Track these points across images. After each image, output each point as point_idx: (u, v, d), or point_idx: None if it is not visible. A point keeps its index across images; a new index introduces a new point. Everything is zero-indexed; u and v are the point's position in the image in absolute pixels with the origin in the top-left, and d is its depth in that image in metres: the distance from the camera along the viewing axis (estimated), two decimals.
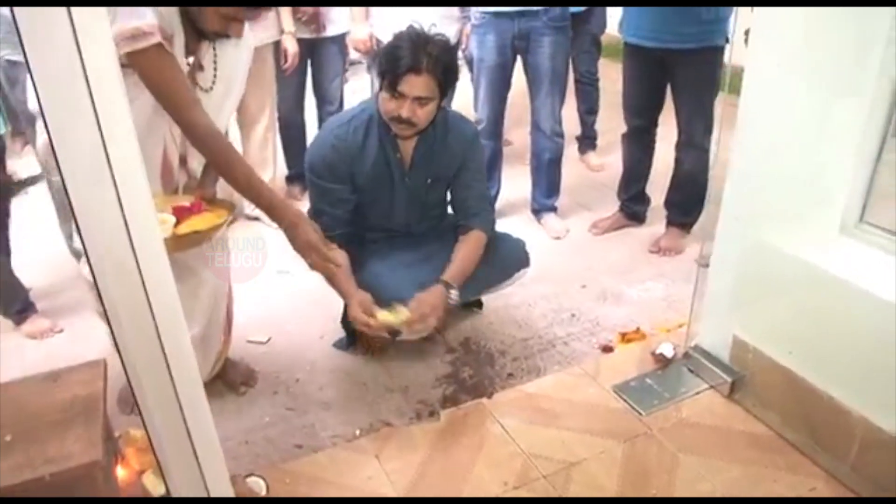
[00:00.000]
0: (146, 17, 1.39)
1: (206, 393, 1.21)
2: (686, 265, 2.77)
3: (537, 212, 3.16)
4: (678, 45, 2.55)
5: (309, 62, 3.22)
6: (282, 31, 2.98)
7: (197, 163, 1.72)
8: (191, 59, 1.57)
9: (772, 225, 1.79)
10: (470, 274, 2.04)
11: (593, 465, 1.74)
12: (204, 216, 1.57)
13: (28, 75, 1.91)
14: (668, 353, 2.09)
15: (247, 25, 1.60)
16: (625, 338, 2.32)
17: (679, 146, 2.81)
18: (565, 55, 2.91)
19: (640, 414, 1.90)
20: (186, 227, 1.52)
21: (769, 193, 1.77)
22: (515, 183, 3.32)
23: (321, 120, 3.36)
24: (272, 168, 3.27)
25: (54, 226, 2.60)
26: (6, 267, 2.35)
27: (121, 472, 1.49)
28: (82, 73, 0.90)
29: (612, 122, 3.56)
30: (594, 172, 3.74)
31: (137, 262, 1.03)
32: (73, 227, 2.07)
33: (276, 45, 3.02)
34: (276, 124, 3.29)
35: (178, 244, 1.48)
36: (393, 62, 1.82)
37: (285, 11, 2.95)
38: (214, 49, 1.61)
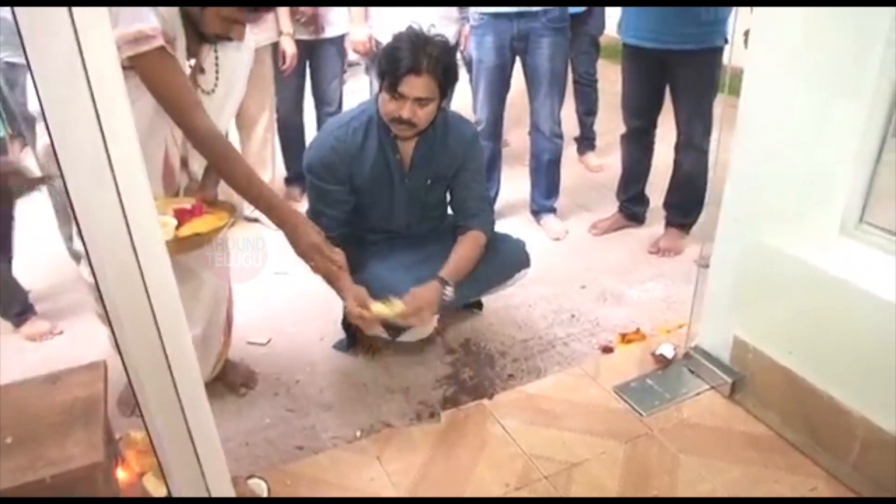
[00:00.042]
0: (149, 21, 1.39)
1: (206, 394, 1.20)
2: (685, 266, 2.78)
3: (536, 213, 3.17)
4: (677, 46, 2.55)
5: (307, 64, 3.22)
6: (280, 33, 2.98)
7: (198, 165, 1.72)
8: (192, 62, 1.57)
9: (772, 225, 1.79)
10: (467, 273, 2.03)
11: (594, 465, 1.74)
12: (205, 218, 1.57)
13: (27, 77, 1.91)
14: (669, 353, 2.09)
15: (247, 28, 1.60)
16: (625, 338, 2.32)
17: (678, 147, 2.81)
18: (564, 56, 2.92)
19: (640, 414, 1.90)
20: (187, 230, 1.51)
21: (769, 194, 1.78)
22: (514, 184, 3.32)
23: (320, 121, 3.36)
24: (271, 169, 3.27)
25: (53, 228, 2.59)
26: (6, 270, 2.34)
27: (121, 475, 1.49)
28: (84, 75, 0.90)
29: (610, 123, 3.56)
30: (593, 173, 3.75)
31: (139, 263, 1.02)
32: (73, 229, 2.09)
33: (275, 47, 3.02)
34: (275, 125, 3.28)
35: (179, 247, 1.48)
36: (393, 63, 1.82)
37: (284, 13, 2.95)
38: (216, 51, 1.62)
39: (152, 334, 1.08)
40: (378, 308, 1.81)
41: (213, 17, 1.48)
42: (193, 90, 1.55)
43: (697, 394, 1.98)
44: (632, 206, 3.09)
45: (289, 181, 3.47)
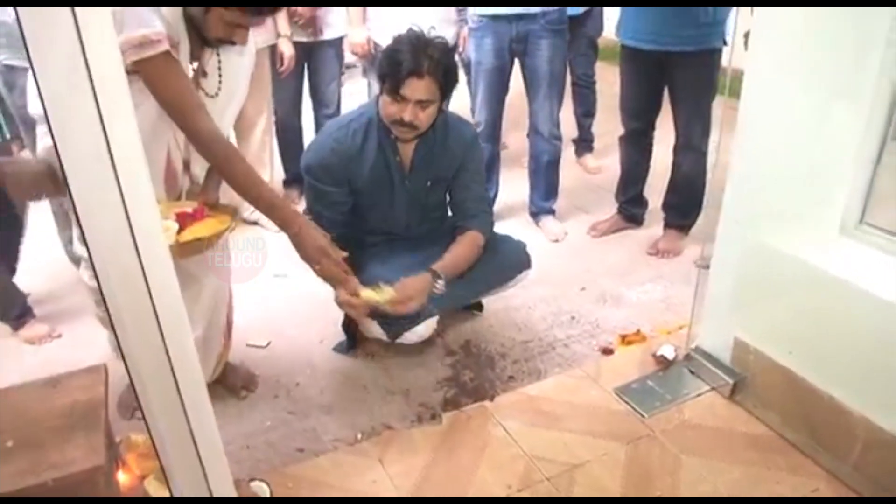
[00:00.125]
0: (154, 26, 1.39)
1: None
2: (684, 267, 2.78)
3: (535, 215, 3.17)
4: (676, 47, 2.56)
5: (306, 66, 3.22)
6: (278, 35, 2.98)
7: (200, 168, 1.72)
8: (195, 65, 1.57)
9: (772, 226, 1.79)
10: (461, 270, 2.04)
11: (596, 467, 1.73)
12: (206, 222, 1.56)
13: (26, 80, 1.91)
14: (669, 354, 2.09)
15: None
16: (625, 340, 2.32)
17: (677, 149, 2.82)
18: (563, 58, 2.92)
19: (642, 416, 1.90)
20: (189, 235, 1.51)
21: (769, 195, 1.78)
22: (513, 186, 3.32)
23: (318, 123, 3.36)
24: (269, 171, 3.26)
25: (52, 232, 2.58)
26: (5, 273, 2.34)
27: (122, 478, 1.48)
28: (87, 76, 0.90)
29: (608, 125, 3.57)
30: (591, 175, 3.75)
31: (142, 266, 1.02)
32: (73, 232, 2.08)
33: (273, 49, 3.02)
34: (273, 128, 3.28)
35: (180, 251, 1.48)
36: (394, 66, 1.82)
37: (281, 15, 2.95)
38: (218, 55, 1.62)
39: (155, 337, 1.08)
40: (367, 294, 1.81)
41: (216, 21, 1.48)
42: (197, 94, 1.55)
43: (698, 395, 1.98)
44: (631, 208, 3.09)
45: (287, 183, 3.47)
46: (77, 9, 0.86)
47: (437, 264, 1.97)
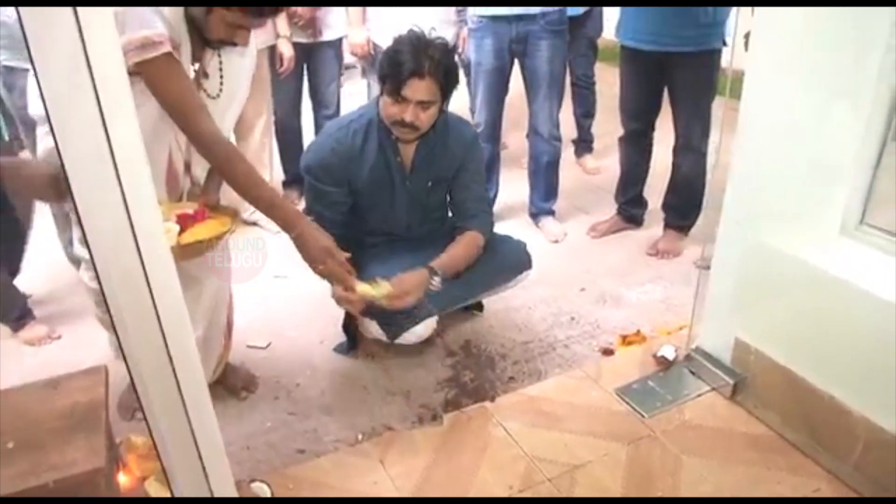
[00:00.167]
0: (156, 27, 1.39)
1: None
2: (684, 267, 2.79)
3: (535, 215, 3.17)
4: (676, 48, 2.56)
5: (305, 67, 3.22)
6: (277, 36, 2.98)
7: (200, 169, 1.72)
8: (196, 66, 1.57)
9: (772, 226, 1.79)
10: (459, 269, 2.03)
11: (597, 467, 1.73)
12: (207, 224, 1.56)
13: (26, 81, 1.90)
14: (670, 355, 2.09)
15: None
16: (625, 340, 2.32)
17: (676, 150, 2.82)
18: (563, 59, 2.93)
19: (642, 416, 1.90)
20: (190, 237, 1.50)
21: (770, 195, 1.78)
22: (512, 186, 3.33)
23: (317, 125, 3.36)
24: (269, 172, 3.26)
25: (52, 233, 2.58)
26: (5, 275, 2.34)
27: (123, 479, 1.48)
28: (89, 77, 0.90)
29: (608, 126, 3.57)
30: (590, 176, 3.75)
31: (144, 267, 1.02)
32: (72, 233, 2.08)
33: (272, 50, 3.02)
34: (273, 129, 3.28)
35: (181, 253, 1.47)
36: (395, 67, 1.82)
37: (281, 16, 2.94)
38: (219, 56, 1.61)
39: (157, 338, 1.08)
40: (363, 288, 1.80)
41: (217, 22, 1.48)
42: (198, 95, 1.55)
43: (699, 395, 1.98)
44: (630, 209, 3.09)
45: (286, 184, 3.46)
46: (79, 9, 0.86)
47: (434, 262, 1.97)
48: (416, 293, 1.89)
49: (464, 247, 2.06)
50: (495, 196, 3.16)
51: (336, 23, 3.14)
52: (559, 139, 3.04)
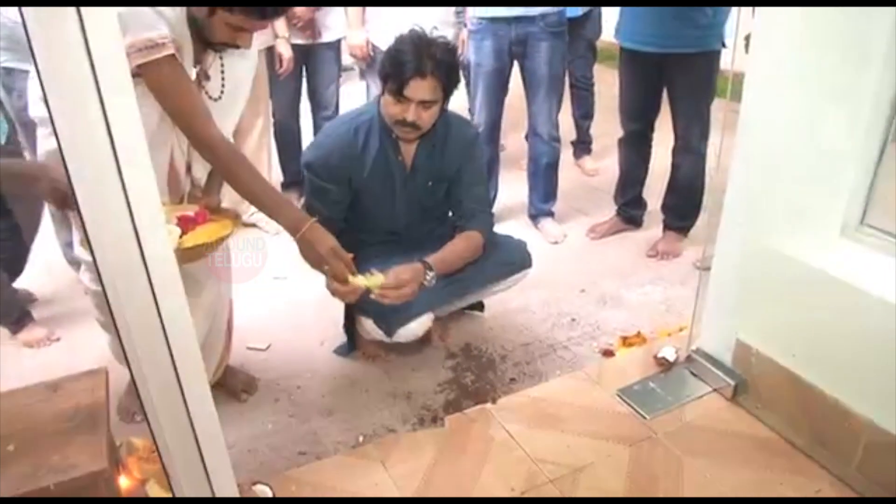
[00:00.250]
0: (159, 29, 1.39)
1: None
2: (684, 268, 2.79)
3: (535, 217, 3.17)
4: (675, 49, 2.56)
5: (304, 68, 3.22)
6: (276, 37, 2.98)
7: (202, 170, 1.71)
8: (197, 68, 1.57)
9: (773, 228, 1.79)
10: (455, 267, 2.02)
11: (600, 469, 1.73)
12: (208, 227, 1.55)
13: (25, 83, 1.90)
14: (671, 356, 2.09)
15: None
16: (626, 342, 2.32)
17: (676, 151, 2.82)
18: (562, 60, 2.93)
19: (644, 418, 1.90)
20: (191, 240, 1.49)
21: (770, 196, 1.78)
22: (512, 188, 3.33)
23: (316, 126, 3.36)
24: (267, 174, 3.26)
25: (51, 235, 2.57)
26: (5, 277, 2.33)
27: (124, 482, 1.47)
28: (92, 78, 0.89)
29: (606, 127, 3.58)
30: (589, 177, 3.76)
31: (147, 270, 1.01)
32: (72, 235, 2.07)
33: (270, 51, 3.01)
34: (271, 130, 3.27)
35: (182, 257, 1.47)
36: (397, 66, 1.81)
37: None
38: (221, 58, 1.61)
39: (159, 339, 1.08)
40: (358, 279, 1.78)
41: (219, 24, 1.47)
42: (201, 97, 1.55)
43: (700, 396, 1.98)
44: (629, 210, 3.10)
45: (285, 186, 3.46)
46: (83, 9, 0.85)
47: (430, 257, 1.96)
48: (410, 286, 1.86)
49: (462, 245, 2.05)
50: (494, 197, 3.16)
51: (335, 24, 3.14)
52: (558, 140, 3.04)
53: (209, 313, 1.88)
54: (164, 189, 1.61)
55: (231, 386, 2.08)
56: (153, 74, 1.41)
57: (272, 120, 3.27)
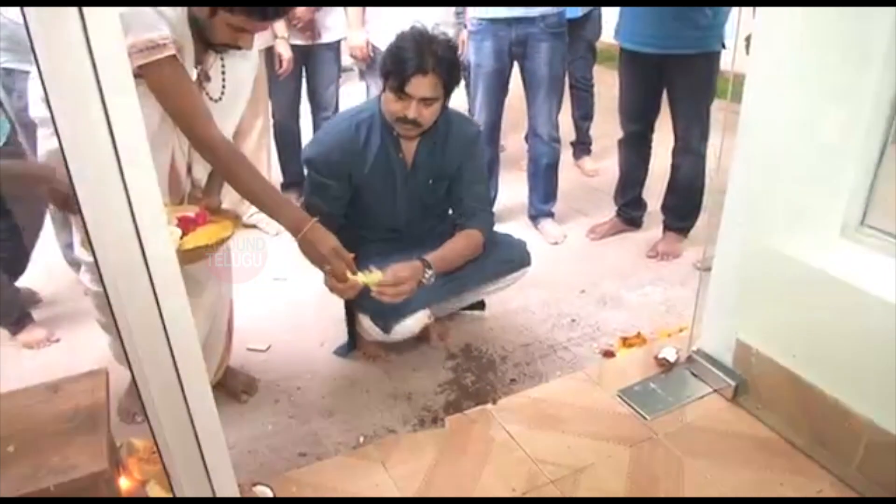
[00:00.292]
0: (160, 30, 1.39)
1: None
2: (684, 269, 2.79)
3: (534, 217, 3.17)
4: (675, 50, 2.57)
5: (304, 69, 3.22)
6: (275, 37, 2.97)
7: (202, 171, 1.71)
8: (198, 69, 1.56)
9: (773, 228, 1.79)
10: (454, 266, 2.01)
11: (601, 470, 1.73)
12: (208, 228, 1.55)
13: (25, 83, 1.89)
14: (671, 356, 2.09)
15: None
16: (626, 342, 2.32)
17: (675, 152, 2.82)
18: (562, 61, 2.93)
19: (644, 418, 1.90)
20: (192, 242, 1.49)
21: (771, 197, 1.78)
22: (511, 188, 3.33)
23: (316, 127, 3.36)
24: (266, 175, 3.25)
25: (50, 235, 2.57)
26: (5, 278, 2.32)
27: (124, 483, 1.47)
28: (94, 79, 0.89)
29: (606, 128, 3.58)
30: (589, 178, 3.76)
31: (149, 271, 1.01)
32: (72, 236, 2.07)
33: (269, 51, 3.01)
34: (271, 131, 3.27)
35: (183, 259, 1.46)
36: (399, 63, 1.81)
37: None
38: (222, 59, 1.61)
39: (161, 339, 1.07)
40: (356, 277, 1.77)
41: (221, 25, 1.47)
42: (202, 99, 1.54)
43: (700, 397, 1.98)
44: (629, 211, 3.10)
45: (285, 187, 3.46)
46: (85, 9, 0.85)
47: (429, 255, 1.95)
48: (408, 284, 1.85)
49: (462, 244, 2.05)
50: (494, 198, 3.15)
51: (335, 25, 3.14)
52: (558, 141, 3.04)
53: (210, 314, 1.88)
54: (165, 190, 1.61)
55: (231, 387, 2.08)
56: (154, 75, 1.41)
57: (272, 121, 3.27)
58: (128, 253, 0.99)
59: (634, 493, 1.67)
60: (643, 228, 3.11)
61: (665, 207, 2.94)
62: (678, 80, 2.66)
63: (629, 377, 2.06)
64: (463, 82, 3.13)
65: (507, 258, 2.19)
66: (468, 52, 2.96)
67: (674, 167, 2.85)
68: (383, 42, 2.71)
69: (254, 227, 3.04)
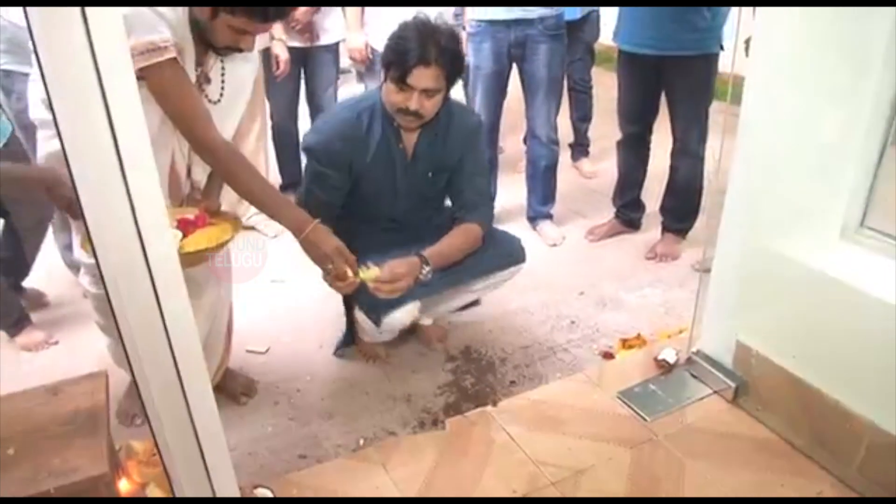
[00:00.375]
0: (161, 32, 1.38)
1: None
2: (683, 271, 2.79)
3: (533, 219, 3.17)
4: (673, 52, 2.57)
5: (302, 71, 3.22)
6: (272, 38, 2.97)
7: (202, 172, 1.71)
8: (198, 70, 1.56)
9: (773, 230, 1.79)
10: (452, 261, 1.99)
11: (601, 471, 1.73)
12: (208, 231, 1.54)
13: (25, 85, 1.89)
14: (671, 358, 2.09)
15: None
16: (625, 344, 2.32)
17: (674, 153, 2.83)
18: (561, 63, 2.93)
19: (644, 420, 1.90)
20: (192, 245, 1.49)
21: (770, 199, 1.78)
22: (510, 190, 3.33)
23: None
24: (264, 176, 3.25)
25: (49, 237, 2.56)
26: (4, 280, 2.32)
27: (124, 485, 1.47)
28: (97, 80, 0.89)
29: (604, 129, 3.59)
30: (587, 179, 3.76)
31: (151, 273, 1.01)
32: (71, 238, 2.06)
33: (266, 53, 3.01)
34: (268, 133, 3.27)
35: (183, 261, 1.46)
36: (401, 54, 1.79)
37: None
38: (222, 61, 1.61)
39: (162, 341, 1.07)
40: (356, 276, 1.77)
41: (222, 27, 1.47)
42: (202, 101, 1.54)
43: (700, 398, 1.98)
44: (628, 212, 3.10)
45: (283, 188, 3.44)
46: (87, 9, 0.85)
47: (427, 251, 1.93)
48: (406, 280, 1.84)
49: (460, 239, 2.03)
50: (493, 199, 3.15)
51: (333, 27, 3.14)
52: (557, 143, 3.04)
53: (209, 315, 1.88)
54: (165, 192, 1.60)
55: (230, 389, 2.08)
56: (155, 77, 1.41)
57: (270, 122, 3.27)
58: (129, 253, 0.99)
59: (635, 494, 1.67)
60: (642, 230, 3.12)
61: (663, 209, 2.95)
62: (677, 82, 2.67)
63: (629, 379, 2.06)
64: (461, 83, 3.15)
65: (502, 253, 2.16)
66: (467, 54, 2.96)
67: (672, 169, 2.86)
68: (381, 44, 2.71)
69: (252, 228, 3.04)
